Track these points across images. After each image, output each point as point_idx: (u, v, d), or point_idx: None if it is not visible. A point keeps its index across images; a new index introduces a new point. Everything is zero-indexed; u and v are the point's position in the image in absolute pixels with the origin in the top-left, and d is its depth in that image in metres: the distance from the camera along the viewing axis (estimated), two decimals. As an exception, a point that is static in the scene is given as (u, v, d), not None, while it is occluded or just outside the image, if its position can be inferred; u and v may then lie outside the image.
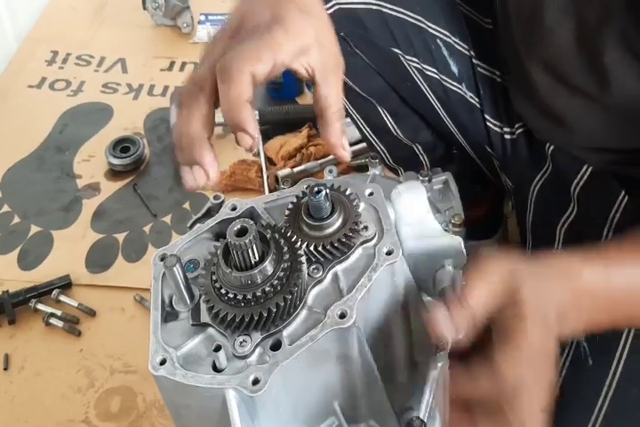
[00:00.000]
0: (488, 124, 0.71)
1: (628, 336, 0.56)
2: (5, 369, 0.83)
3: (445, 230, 0.50)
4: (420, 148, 0.79)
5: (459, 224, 0.53)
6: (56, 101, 1.20)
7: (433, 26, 0.67)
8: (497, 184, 0.81)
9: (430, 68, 0.68)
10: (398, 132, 0.76)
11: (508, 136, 0.72)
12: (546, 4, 0.56)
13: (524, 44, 0.62)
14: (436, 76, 0.69)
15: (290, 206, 0.45)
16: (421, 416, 0.46)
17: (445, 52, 0.68)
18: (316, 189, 0.43)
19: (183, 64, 1.29)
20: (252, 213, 0.48)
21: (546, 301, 0.41)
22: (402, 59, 0.68)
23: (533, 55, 0.61)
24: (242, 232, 0.40)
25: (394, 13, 0.65)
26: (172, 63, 1.29)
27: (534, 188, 0.70)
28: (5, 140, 1.13)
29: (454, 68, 0.69)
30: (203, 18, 1.36)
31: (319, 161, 1.08)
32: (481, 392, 0.40)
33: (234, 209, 0.48)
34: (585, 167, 0.65)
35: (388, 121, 0.75)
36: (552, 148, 0.67)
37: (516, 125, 0.71)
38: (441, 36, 0.68)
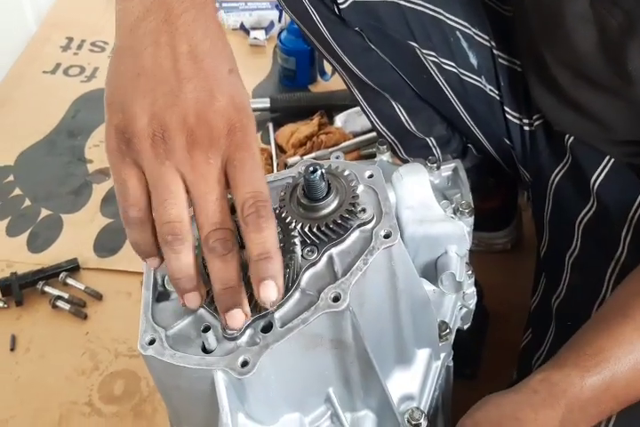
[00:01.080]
0: (507, 115, 0.69)
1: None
2: (12, 350, 0.83)
3: (453, 218, 0.48)
4: (433, 141, 0.77)
5: (467, 212, 0.51)
6: (70, 87, 1.21)
7: (452, 17, 0.65)
8: (512, 177, 0.79)
9: (448, 62, 0.66)
10: (412, 126, 0.75)
11: (526, 128, 0.70)
12: (565, 8, 0.53)
13: (542, 40, 0.59)
14: (454, 70, 0.67)
15: (285, 186, 0.44)
16: (422, 407, 0.45)
17: (464, 44, 0.66)
18: (311, 168, 0.42)
19: (195, 52, 1.28)
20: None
21: None
22: (418, 52, 0.66)
23: (553, 51, 0.59)
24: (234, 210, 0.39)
25: (411, 6, 0.63)
26: (186, 49, 1.28)
27: (553, 181, 0.68)
28: (19, 124, 1.14)
29: (473, 61, 0.67)
30: (217, 4, 1.34)
31: (329, 149, 1.06)
32: None
33: (231, 190, 0.47)
34: (605, 160, 0.62)
35: (402, 115, 0.73)
36: (571, 139, 0.65)
37: (534, 117, 0.69)
38: (460, 27, 0.65)
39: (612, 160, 0.62)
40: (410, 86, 0.70)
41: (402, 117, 0.74)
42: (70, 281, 0.89)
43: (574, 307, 0.61)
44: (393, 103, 0.72)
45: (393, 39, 0.65)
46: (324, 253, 0.42)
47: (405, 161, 0.81)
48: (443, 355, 0.49)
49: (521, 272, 0.79)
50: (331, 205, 0.43)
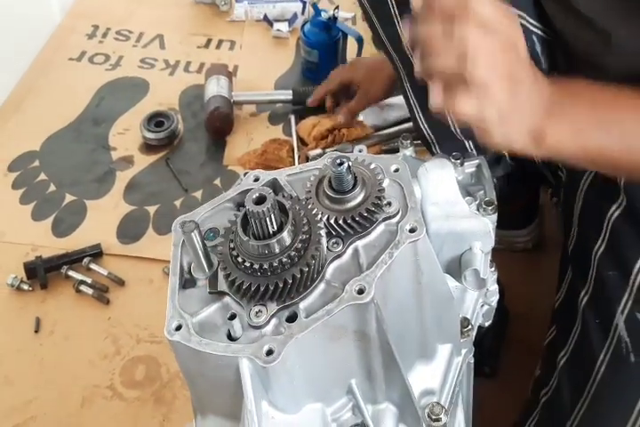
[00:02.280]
0: None
1: None
2: (36, 332, 0.85)
3: (475, 214, 0.48)
4: (471, 144, 0.77)
5: (490, 209, 0.51)
6: (95, 75, 1.22)
7: (533, 22, 0.62)
8: (540, 178, 0.78)
9: None
10: (456, 126, 0.74)
11: None
12: None
13: None
14: None
15: (312, 178, 0.45)
16: (442, 402, 0.45)
17: (538, 49, 0.63)
18: (338, 160, 0.42)
19: (220, 42, 1.28)
20: (274, 185, 0.47)
21: None
22: None
23: None
24: (260, 200, 0.39)
25: None
26: (209, 41, 1.28)
27: (587, 177, 0.67)
28: (45, 110, 1.15)
29: (544, 66, 0.64)
30: (241, -5, 1.34)
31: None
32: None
33: (256, 180, 0.48)
34: None
35: (450, 115, 0.73)
36: None
37: None
38: (538, 31, 0.63)
39: None
40: None
41: (449, 117, 0.73)
42: (94, 266, 0.91)
43: (601, 303, 0.61)
44: None
45: None
46: (349, 245, 0.42)
47: (429, 147, 0.80)
48: (464, 351, 0.49)
49: (541, 271, 0.79)
50: (357, 197, 0.43)
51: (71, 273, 0.90)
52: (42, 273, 0.89)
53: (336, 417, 0.43)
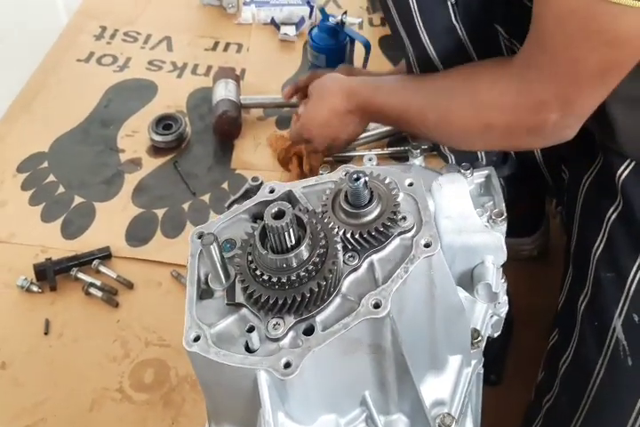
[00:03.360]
0: None
1: None
2: (46, 334, 0.86)
3: (485, 225, 0.49)
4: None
5: (500, 220, 0.52)
6: (103, 76, 1.22)
7: None
8: (543, 182, 0.79)
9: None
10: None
11: None
12: None
13: None
14: None
15: (327, 192, 0.45)
16: (452, 413, 0.46)
17: None
18: (355, 176, 0.42)
19: (227, 45, 1.29)
20: (289, 197, 0.48)
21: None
22: (500, 37, 0.66)
23: None
24: (279, 215, 0.40)
25: None
26: (217, 43, 1.29)
27: (588, 178, 0.68)
28: (53, 111, 1.16)
29: None
30: (248, -1, 1.35)
31: (354, 143, 1.06)
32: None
33: (272, 191, 0.49)
34: (628, 160, 0.63)
35: None
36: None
37: None
38: None
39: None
40: None
41: None
42: (103, 269, 0.92)
43: (598, 306, 0.62)
44: None
45: (481, 18, 0.64)
46: (364, 259, 0.43)
47: (445, 156, 0.81)
48: (474, 362, 0.50)
49: (546, 279, 0.80)
50: (373, 212, 0.44)
51: (80, 275, 0.90)
52: (51, 275, 0.89)
53: (350, 428, 0.44)
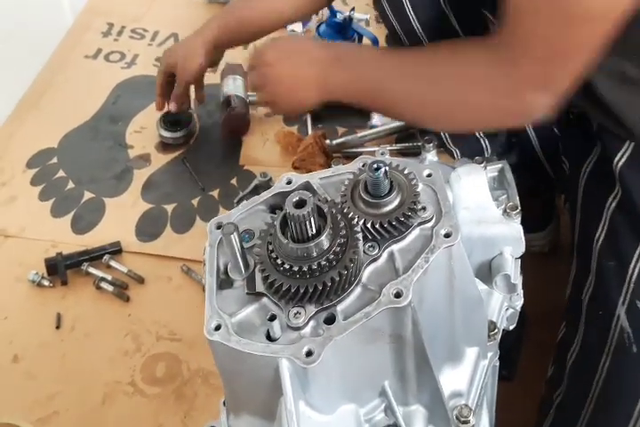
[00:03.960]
0: None
1: None
2: (57, 328, 0.86)
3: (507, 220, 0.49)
4: (480, 132, 0.77)
5: (514, 214, 0.52)
6: (111, 73, 1.23)
7: None
8: (551, 175, 0.79)
9: None
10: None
11: (571, 116, 0.70)
12: None
13: None
14: None
15: (346, 182, 0.45)
16: (469, 404, 0.46)
17: None
18: (375, 165, 0.42)
19: (233, 41, 1.29)
20: (307, 188, 0.48)
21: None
22: (490, 24, 0.66)
23: None
24: (300, 204, 0.40)
25: None
26: (223, 40, 1.29)
27: (586, 169, 0.68)
28: (62, 107, 1.16)
29: None
30: (256, -6, 1.35)
31: (359, 134, 1.07)
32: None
33: (289, 183, 0.49)
34: (626, 146, 0.62)
35: None
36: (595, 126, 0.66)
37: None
38: None
39: (632, 145, 0.62)
40: None
41: None
42: (113, 263, 0.92)
43: (602, 295, 0.62)
44: None
45: (469, 4, 0.65)
46: (384, 249, 0.43)
47: (450, 151, 0.81)
48: (490, 354, 0.50)
49: (557, 275, 0.80)
50: (393, 202, 0.44)
51: (91, 270, 0.91)
52: (62, 270, 0.90)
53: (369, 418, 0.44)
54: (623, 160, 0.63)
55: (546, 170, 0.81)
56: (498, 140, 0.78)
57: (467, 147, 0.79)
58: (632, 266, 0.59)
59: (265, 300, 0.42)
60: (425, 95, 0.62)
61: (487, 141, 0.78)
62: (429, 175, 0.47)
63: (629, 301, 0.59)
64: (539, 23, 0.52)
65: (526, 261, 0.87)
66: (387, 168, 0.43)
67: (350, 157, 1.08)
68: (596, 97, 0.61)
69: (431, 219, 0.44)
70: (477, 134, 0.78)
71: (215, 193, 1.04)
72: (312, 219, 0.40)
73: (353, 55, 0.68)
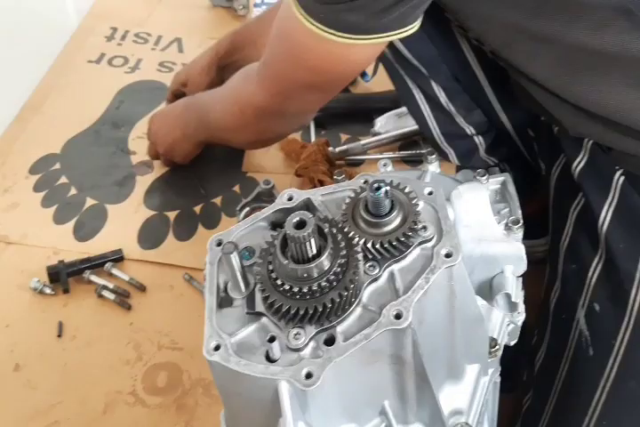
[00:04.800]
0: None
1: (628, 326, 0.56)
2: (59, 336, 0.86)
3: (509, 238, 0.48)
4: (472, 129, 0.78)
5: (516, 228, 0.51)
6: (114, 77, 1.22)
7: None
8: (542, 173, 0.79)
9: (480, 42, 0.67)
10: (451, 106, 0.75)
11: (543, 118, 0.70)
12: None
13: None
14: (485, 49, 0.67)
15: (347, 201, 0.45)
16: (470, 422, 0.46)
17: None
18: (375, 185, 0.42)
19: (238, 46, 1.28)
20: (307, 205, 0.48)
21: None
22: (453, 27, 0.66)
23: None
24: (300, 225, 0.40)
25: None
26: (227, 45, 1.29)
27: (554, 172, 0.69)
28: (65, 112, 1.16)
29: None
30: (259, 0, 1.34)
31: (362, 142, 1.07)
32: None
33: (290, 199, 0.48)
34: (584, 150, 0.63)
35: (440, 95, 0.74)
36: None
37: None
38: None
39: (590, 144, 0.62)
40: (446, 65, 0.71)
41: (440, 97, 0.74)
42: (115, 271, 0.92)
43: (565, 299, 0.62)
44: (431, 82, 0.72)
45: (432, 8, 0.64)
46: (385, 268, 0.43)
47: (444, 153, 0.81)
48: (491, 371, 0.50)
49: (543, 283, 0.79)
50: (394, 221, 0.43)
51: (93, 278, 0.91)
52: (64, 277, 0.90)
53: (369, 437, 0.44)
54: (581, 166, 0.63)
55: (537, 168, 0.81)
56: (489, 136, 0.78)
57: (461, 146, 0.80)
58: (591, 271, 0.60)
59: (265, 320, 0.42)
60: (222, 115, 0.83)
61: (480, 138, 0.78)
62: (430, 193, 0.46)
63: (588, 303, 0.60)
64: (275, 61, 0.67)
65: (528, 267, 0.87)
66: (387, 188, 0.42)
67: (353, 165, 1.08)
68: (534, 102, 0.62)
69: (432, 238, 0.44)
70: (469, 131, 0.78)
71: (218, 200, 1.04)
72: (312, 240, 0.40)
73: (196, 98, 0.90)
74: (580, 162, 0.63)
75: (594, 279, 0.60)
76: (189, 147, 0.96)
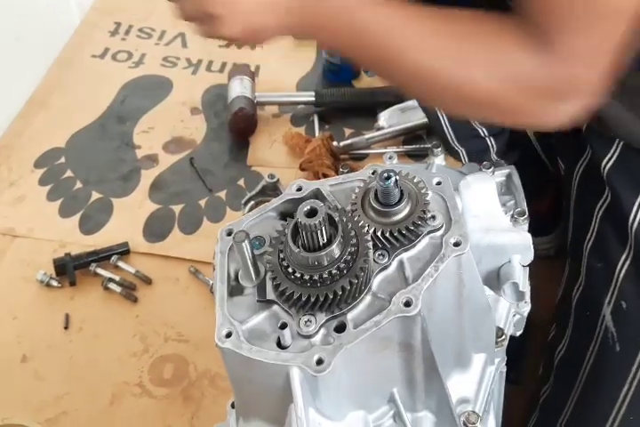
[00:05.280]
0: None
1: None
2: (66, 328, 0.87)
3: (516, 228, 0.49)
4: (485, 131, 0.77)
5: (522, 220, 0.52)
6: (118, 72, 1.23)
7: None
8: (554, 174, 0.79)
9: None
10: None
11: None
12: None
13: None
14: None
15: (357, 191, 0.46)
16: (477, 410, 0.46)
17: None
18: (385, 174, 0.43)
19: (242, 41, 1.29)
20: (317, 195, 0.48)
21: None
22: None
23: None
24: (312, 213, 0.40)
25: None
26: (232, 39, 1.29)
27: (578, 170, 0.68)
28: (70, 107, 1.17)
29: None
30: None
31: (366, 136, 1.07)
32: None
33: (299, 189, 0.49)
34: (613, 148, 0.62)
35: None
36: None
37: None
38: None
39: (620, 148, 0.62)
40: None
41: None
42: (121, 264, 0.92)
43: (590, 296, 0.63)
44: None
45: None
46: (394, 257, 0.43)
47: (456, 152, 0.81)
48: (497, 360, 0.51)
49: (563, 278, 0.80)
50: (403, 211, 0.44)
51: (99, 271, 0.91)
52: (71, 270, 0.90)
53: (377, 424, 0.45)
54: (610, 164, 0.63)
55: (548, 168, 0.81)
56: (502, 138, 0.78)
57: (472, 146, 0.79)
58: (619, 268, 0.60)
59: (275, 307, 0.43)
60: (437, 64, 0.50)
61: (492, 140, 0.78)
62: (439, 183, 0.47)
63: (615, 301, 0.60)
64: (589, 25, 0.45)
65: (533, 264, 0.88)
66: (397, 177, 0.43)
67: (357, 159, 1.08)
68: None
69: (441, 227, 0.44)
70: (482, 133, 0.78)
71: (222, 194, 1.04)
72: (323, 228, 0.40)
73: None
74: (610, 159, 0.63)
75: (621, 276, 0.60)
76: (273, 36, 0.56)
